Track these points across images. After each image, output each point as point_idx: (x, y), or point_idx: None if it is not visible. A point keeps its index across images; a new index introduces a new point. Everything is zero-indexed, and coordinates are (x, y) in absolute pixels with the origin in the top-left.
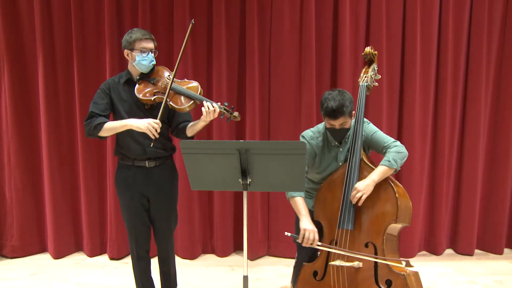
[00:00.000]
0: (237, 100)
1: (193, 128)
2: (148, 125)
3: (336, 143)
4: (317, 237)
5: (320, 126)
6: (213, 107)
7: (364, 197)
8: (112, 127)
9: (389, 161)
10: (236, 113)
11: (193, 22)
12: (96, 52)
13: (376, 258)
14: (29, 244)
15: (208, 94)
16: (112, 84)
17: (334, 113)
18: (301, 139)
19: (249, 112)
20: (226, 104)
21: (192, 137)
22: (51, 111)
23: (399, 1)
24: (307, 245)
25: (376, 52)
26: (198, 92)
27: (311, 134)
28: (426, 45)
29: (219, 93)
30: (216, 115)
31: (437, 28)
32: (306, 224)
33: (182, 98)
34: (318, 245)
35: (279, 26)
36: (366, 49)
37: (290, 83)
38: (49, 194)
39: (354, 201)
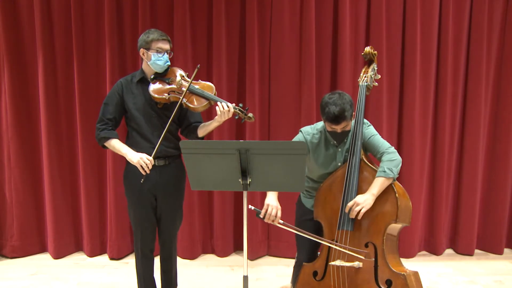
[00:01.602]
0: (237, 100)
1: (205, 129)
2: (139, 160)
3: (335, 142)
4: (279, 214)
5: (319, 124)
6: (227, 107)
7: (363, 210)
8: (113, 146)
9: (384, 171)
10: (250, 114)
11: (198, 67)
12: (96, 52)
13: (333, 244)
14: (29, 244)
15: None
16: (125, 83)
17: (336, 119)
18: (299, 133)
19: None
20: (240, 105)
21: (202, 138)
22: (51, 111)
23: (399, 1)
24: (269, 221)
25: (376, 52)
26: (213, 93)
27: (309, 130)
28: (426, 45)
29: (219, 93)
30: (230, 115)
31: (437, 28)
32: (271, 200)
33: (197, 98)
34: (280, 223)
35: (279, 26)
36: (366, 49)
37: (290, 83)
38: (49, 194)
39: (353, 216)
